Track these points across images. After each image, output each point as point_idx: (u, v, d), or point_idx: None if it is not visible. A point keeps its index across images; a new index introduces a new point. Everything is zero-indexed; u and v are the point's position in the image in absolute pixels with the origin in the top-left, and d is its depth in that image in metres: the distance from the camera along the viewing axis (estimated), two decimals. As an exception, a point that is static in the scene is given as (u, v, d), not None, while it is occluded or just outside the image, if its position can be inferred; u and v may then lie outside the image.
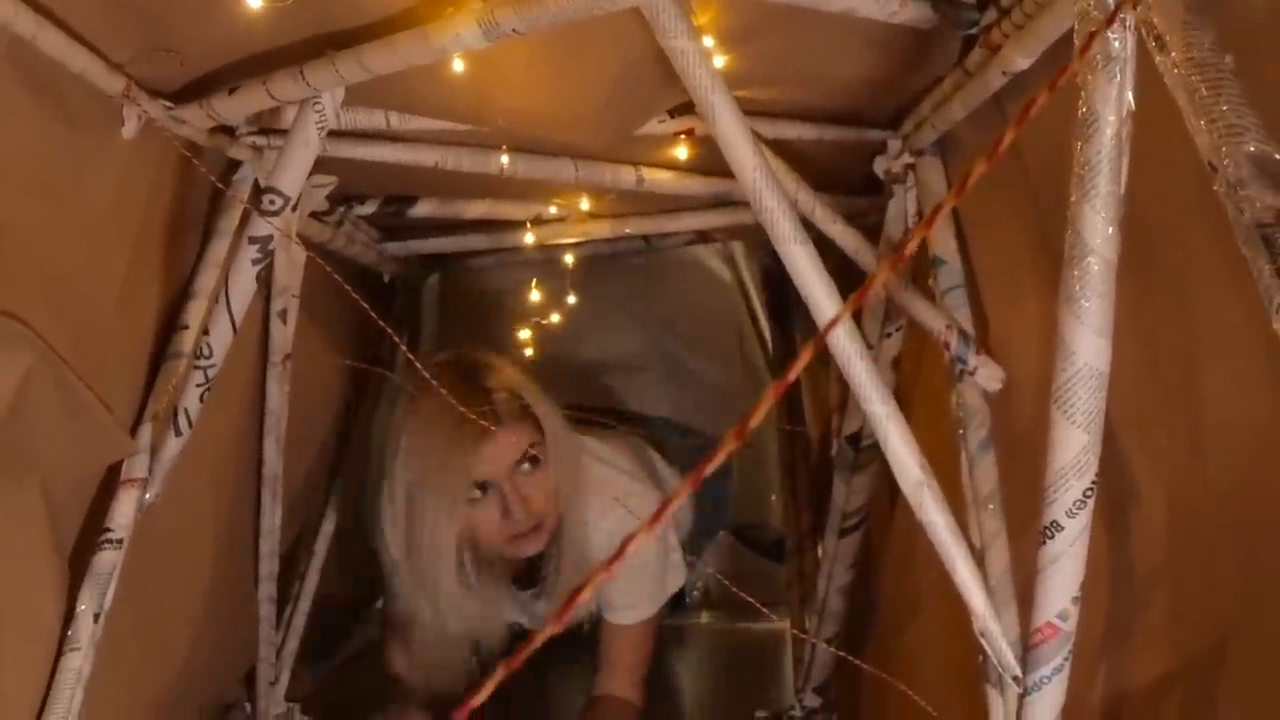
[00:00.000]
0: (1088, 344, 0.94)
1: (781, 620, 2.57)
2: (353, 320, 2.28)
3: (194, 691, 1.74)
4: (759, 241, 2.62)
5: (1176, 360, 1.05)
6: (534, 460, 1.93)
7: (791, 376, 0.47)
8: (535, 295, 2.55)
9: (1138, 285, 1.09)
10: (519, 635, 2.19)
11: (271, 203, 1.38)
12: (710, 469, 0.55)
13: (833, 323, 1.00)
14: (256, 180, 1.57)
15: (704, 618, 2.86)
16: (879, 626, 1.97)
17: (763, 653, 2.65)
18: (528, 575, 2.13)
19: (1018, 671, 1.11)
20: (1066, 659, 1.06)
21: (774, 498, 2.99)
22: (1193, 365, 1.02)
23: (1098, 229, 0.90)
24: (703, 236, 2.53)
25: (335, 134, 1.58)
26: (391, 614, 2.19)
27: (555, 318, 2.63)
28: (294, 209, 1.66)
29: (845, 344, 1.09)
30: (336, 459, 2.38)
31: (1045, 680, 1.07)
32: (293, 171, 1.39)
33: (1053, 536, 1.00)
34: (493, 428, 1.83)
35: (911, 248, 0.86)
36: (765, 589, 2.74)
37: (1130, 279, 1.09)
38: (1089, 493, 0.98)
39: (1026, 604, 1.08)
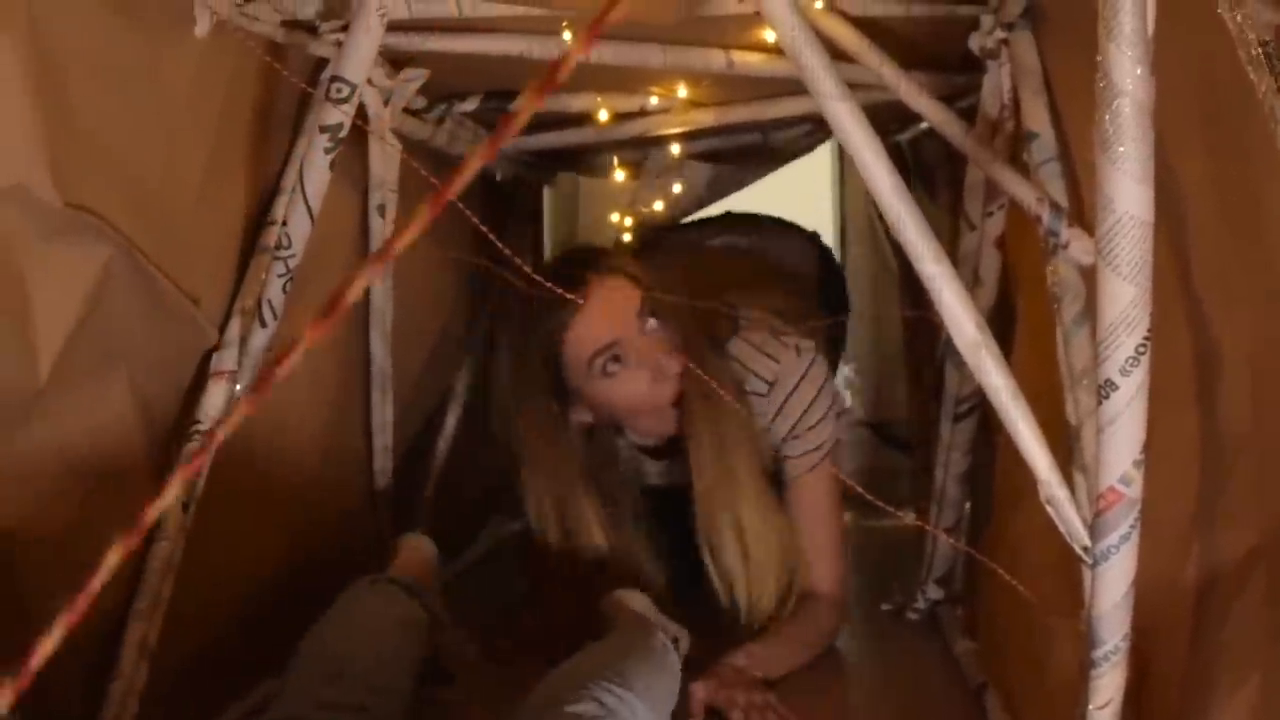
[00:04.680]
0: (1126, 191, 0.89)
1: (906, 514, 2.52)
2: (465, 220, 2.28)
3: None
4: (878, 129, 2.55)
5: (1256, 221, 0.99)
6: (654, 314, 1.81)
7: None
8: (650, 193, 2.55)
9: (1209, 144, 1.03)
10: (652, 494, 2.04)
11: (339, 90, 1.39)
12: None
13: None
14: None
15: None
16: (994, 513, 1.93)
17: (887, 548, 2.63)
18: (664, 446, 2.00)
19: (1087, 542, 1.08)
20: (1133, 527, 1.02)
21: (904, 390, 2.95)
22: (1274, 225, 0.96)
23: (1125, 69, 0.86)
24: (821, 127, 2.48)
25: (410, 26, 1.59)
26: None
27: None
28: (385, 102, 1.68)
29: (895, 204, 1.06)
30: (455, 356, 2.41)
31: (1113, 550, 1.02)
32: (356, 58, 1.40)
33: (1108, 396, 0.96)
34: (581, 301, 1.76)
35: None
36: (893, 484, 2.70)
37: (1201, 137, 1.03)
38: (1141, 349, 0.94)
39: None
